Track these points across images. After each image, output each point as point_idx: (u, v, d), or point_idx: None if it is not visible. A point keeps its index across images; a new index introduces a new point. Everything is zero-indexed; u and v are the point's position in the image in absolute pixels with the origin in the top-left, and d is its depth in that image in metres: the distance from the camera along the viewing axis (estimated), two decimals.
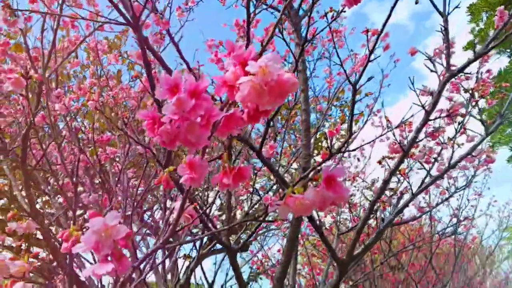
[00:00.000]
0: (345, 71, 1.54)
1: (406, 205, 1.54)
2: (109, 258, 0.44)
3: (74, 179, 1.10)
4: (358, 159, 4.56)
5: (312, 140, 2.24)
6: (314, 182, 0.54)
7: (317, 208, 0.53)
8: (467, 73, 1.37)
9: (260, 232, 4.50)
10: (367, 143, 1.59)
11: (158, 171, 2.82)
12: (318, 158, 4.49)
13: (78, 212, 4.47)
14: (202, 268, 2.44)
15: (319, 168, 0.56)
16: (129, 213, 2.02)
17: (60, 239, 0.64)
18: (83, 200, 1.90)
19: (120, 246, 0.45)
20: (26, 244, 3.82)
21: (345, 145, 1.26)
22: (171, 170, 0.59)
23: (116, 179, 2.34)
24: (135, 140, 1.46)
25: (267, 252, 4.10)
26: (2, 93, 2.23)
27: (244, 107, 0.55)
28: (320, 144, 5.03)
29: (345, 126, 4.80)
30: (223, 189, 0.56)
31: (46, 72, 1.72)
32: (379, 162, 1.76)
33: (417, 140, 1.38)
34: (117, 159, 2.67)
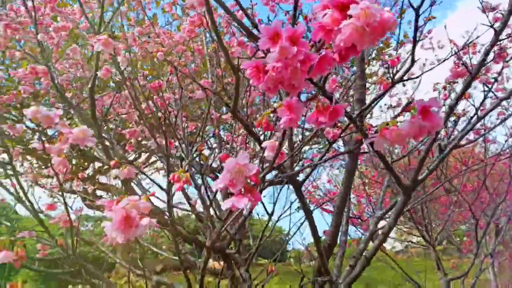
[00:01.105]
0: None
1: (471, 128, 1.53)
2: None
3: (165, 133, 1.18)
4: (404, 84, 4.44)
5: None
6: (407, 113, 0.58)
7: (412, 137, 0.57)
8: None
9: (306, 164, 4.63)
10: (428, 70, 1.54)
11: (210, 112, 2.92)
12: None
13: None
14: (261, 201, 2.59)
15: (410, 100, 0.59)
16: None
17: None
18: (151, 146, 2.03)
19: (252, 181, 0.52)
20: (95, 188, 4.17)
21: (407, 73, 1.25)
22: (269, 113, 0.64)
23: (174, 122, 2.46)
24: (199, 84, 1.51)
25: (316, 182, 4.24)
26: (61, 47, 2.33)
27: (336, 49, 0.58)
28: None
29: (390, 51, 4.63)
30: (319, 126, 0.61)
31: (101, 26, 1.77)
32: (444, 88, 1.72)
33: (486, 62, 1.34)
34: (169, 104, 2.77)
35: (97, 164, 4.90)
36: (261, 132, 2.09)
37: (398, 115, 0.60)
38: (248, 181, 0.52)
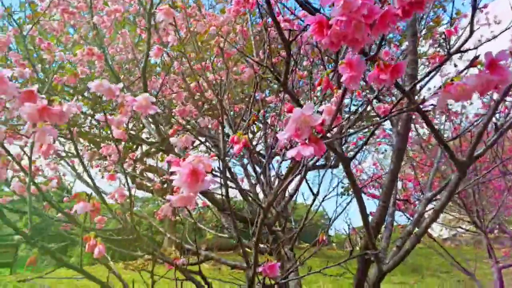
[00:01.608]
0: None
1: None
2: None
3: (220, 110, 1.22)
4: (456, 65, 4.25)
5: None
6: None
7: (477, 92, 0.56)
8: None
9: (351, 147, 4.58)
10: (486, 41, 1.46)
11: (256, 92, 2.95)
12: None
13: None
14: (306, 181, 2.60)
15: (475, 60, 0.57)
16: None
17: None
18: (200, 124, 2.09)
19: (317, 131, 0.54)
20: (143, 169, 4.35)
21: (464, 44, 1.20)
22: (329, 72, 0.65)
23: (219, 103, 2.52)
24: (248, 57, 1.53)
25: (362, 165, 4.19)
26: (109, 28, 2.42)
27: (400, 4, 0.57)
28: None
29: (440, 29, 4.43)
30: (381, 84, 0.61)
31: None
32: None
33: None
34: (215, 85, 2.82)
35: (144, 147, 5.10)
36: None
37: (465, 69, 0.59)
38: (314, 132, 0.53)
